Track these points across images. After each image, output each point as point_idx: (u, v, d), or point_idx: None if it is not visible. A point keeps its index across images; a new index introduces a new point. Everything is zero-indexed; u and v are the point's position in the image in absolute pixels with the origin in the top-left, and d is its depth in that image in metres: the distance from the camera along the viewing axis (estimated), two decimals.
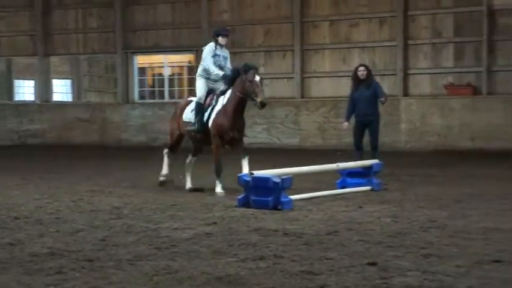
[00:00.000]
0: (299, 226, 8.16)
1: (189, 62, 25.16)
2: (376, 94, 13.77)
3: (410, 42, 21.35)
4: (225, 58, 11.88)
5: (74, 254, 6.68)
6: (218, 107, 11.39)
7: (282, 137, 22.36)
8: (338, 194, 10.96)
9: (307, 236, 7.54)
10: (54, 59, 27.49)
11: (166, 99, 25.03)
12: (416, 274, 5.79)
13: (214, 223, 8.40)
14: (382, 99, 13.70)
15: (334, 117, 21.41)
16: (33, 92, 29.51)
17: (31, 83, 29.87)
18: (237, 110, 11.23)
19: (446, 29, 21.08)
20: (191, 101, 12.17)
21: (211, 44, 11.86)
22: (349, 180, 11.56)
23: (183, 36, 24.45)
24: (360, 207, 9.66)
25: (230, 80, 11.36)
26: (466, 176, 13.99)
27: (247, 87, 11.00)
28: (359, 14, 22.00)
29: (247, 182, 9.61)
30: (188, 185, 11.97)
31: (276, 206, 9.41)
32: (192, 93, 24.04)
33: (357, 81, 14.03)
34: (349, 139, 15.59)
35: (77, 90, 31.50)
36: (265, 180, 9.49)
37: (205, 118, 11.51)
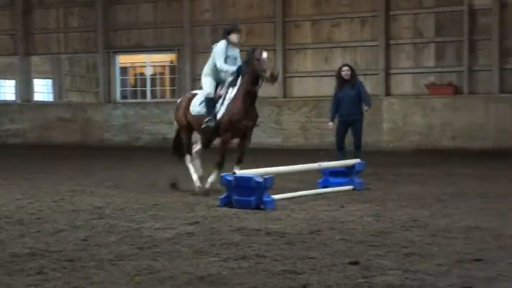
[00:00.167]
0: (281, 225, 8.17)
1: (171, 61, 25.08)
2: (360, 94, 13.83)
3: (392, 42, 21.42)
4: (234, 59, 11.19)
5: (55, 254, 6.64)
6: (227, 101, 10.99)
7: (265, 137, 22.34)
8: (320, 194, 10.96)
9: (290, 235, 7.54)
10: (35, 59, 27.33)
11: (149, 99, 24.97)
12: (398, 273, 5.81)
13: (197, 223, 8.39)
14: (367, 108, 13.81)
15: (316, 116, 21.47)
16: (14, 91, 29.29)
17: (12, 82, 29.65)
18: (247, 100, 10.90)
19: (427, 28, 21.16)
20: (196, 93, 11.67)
21: (222, 45, 11.11)
22: (331, 179, 11.55)
23: (165, 36, 24.38)
24: (342, 206, 9.67)
25: (246, 63, 10.91)
26: (447, 175, 14.07)
27: (255, 66, 10.73)
28: (341, 13, 22.03)
29: (229, 181, 9.61)
30: (197, 183, 11.28)
31: (259, 206, 9.41)
32: (174, 93, 24.22)
33: (341, 81, 14.08)
34: (331, 139, 15.62)
35: (58, 90, 31.30)
36: (247, 179, 9.49)
37: (216, 111, 11.04)
